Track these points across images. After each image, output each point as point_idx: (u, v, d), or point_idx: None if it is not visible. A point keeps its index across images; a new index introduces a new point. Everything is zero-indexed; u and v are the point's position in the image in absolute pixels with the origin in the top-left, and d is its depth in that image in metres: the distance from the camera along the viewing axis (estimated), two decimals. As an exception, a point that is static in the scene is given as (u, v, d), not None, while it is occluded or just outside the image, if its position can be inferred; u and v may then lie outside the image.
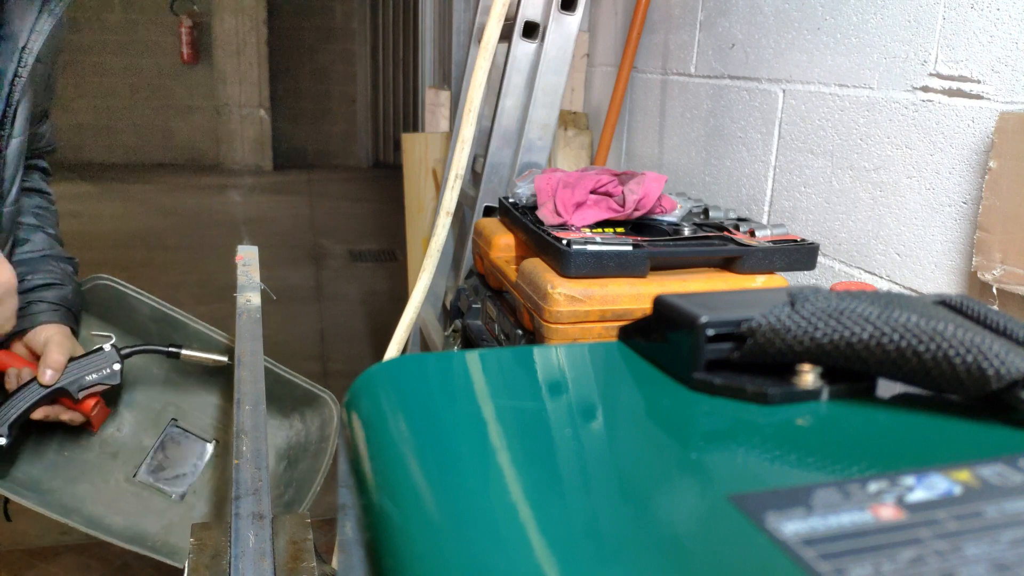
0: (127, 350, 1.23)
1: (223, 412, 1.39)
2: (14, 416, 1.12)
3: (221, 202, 6.95)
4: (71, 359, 1.18)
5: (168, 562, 1.24)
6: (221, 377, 1.40)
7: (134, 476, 1.34)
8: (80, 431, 1.30)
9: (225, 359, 1.30)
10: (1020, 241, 0.95)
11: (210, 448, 1.39)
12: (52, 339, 1.17)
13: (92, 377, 1.18)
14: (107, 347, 1.20)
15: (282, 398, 1.39)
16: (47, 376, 1.14)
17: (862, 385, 0.39)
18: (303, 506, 1.29)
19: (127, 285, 1.36)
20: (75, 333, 1.25)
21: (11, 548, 2.26)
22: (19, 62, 1.05)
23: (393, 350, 1.61)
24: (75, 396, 1.17)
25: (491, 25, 1.55)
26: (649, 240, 1.18)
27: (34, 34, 1.06)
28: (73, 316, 1.24)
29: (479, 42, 2.04)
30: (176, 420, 1.38)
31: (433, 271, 1.63)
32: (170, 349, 1.27)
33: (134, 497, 1.33)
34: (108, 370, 1.19)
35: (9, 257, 1.15)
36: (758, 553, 0.25)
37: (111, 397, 1.32)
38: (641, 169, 1.96)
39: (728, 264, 1.19)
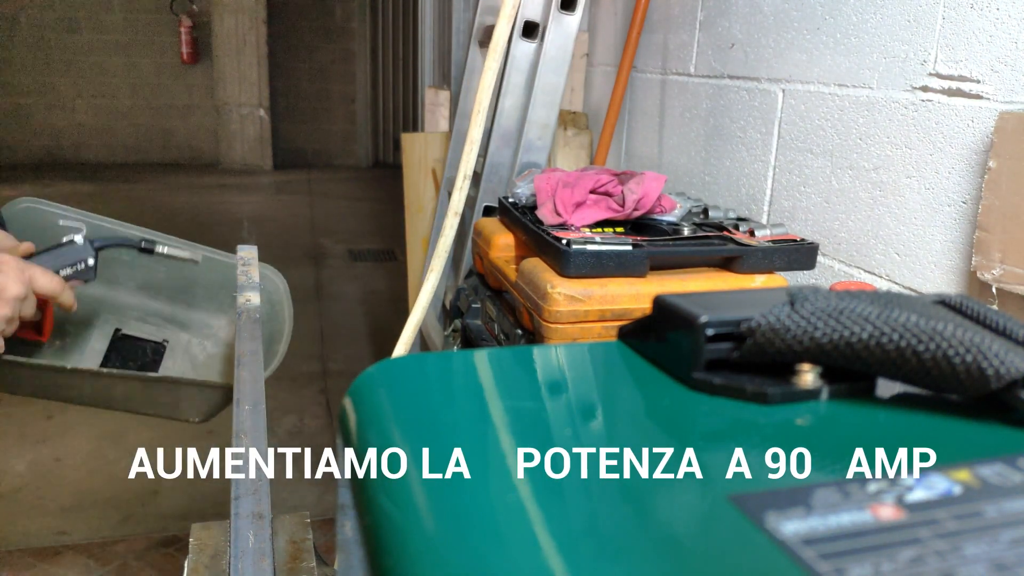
0: (99, 242, 1.10)
1: (163, 316, 1.33)
2: None
3: (221, 202, 6.94)
4: (40, 251, 1.04)
5: (213, 381, 1.20)
6: (160, 282, 1.33)
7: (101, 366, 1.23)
8: (26, 349, 1.18)
9: (198, 259, 1.23)
10: (1020, 241, 0.95)
11: (164, 345, 1.30)
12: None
13: (67, 271, 1.05)
14: (79, 239, 1.07)
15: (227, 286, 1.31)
16: None
17: (862, 385, 0.39)
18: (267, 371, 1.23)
19: (56, 205, 1.22)
20: None
21: (12, 548, 2.26)
22: None
23: (400, 350, 1.61)
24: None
25: (500, 26, 1.55)
26: (649, 240, 1.18)
27: None
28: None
29: (479, 42, 2.04)
30: (120, 330, 1.29)
31: (441, 271, 1.62)
32: (143, 245, 1.17)
33: (109, 383, 1.22)
34: (83, 265, 1.07)
35: None
36: (758, 553, 0.25)
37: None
38: (641, 169, 1.96)
39: (728, 264, 1.19)
